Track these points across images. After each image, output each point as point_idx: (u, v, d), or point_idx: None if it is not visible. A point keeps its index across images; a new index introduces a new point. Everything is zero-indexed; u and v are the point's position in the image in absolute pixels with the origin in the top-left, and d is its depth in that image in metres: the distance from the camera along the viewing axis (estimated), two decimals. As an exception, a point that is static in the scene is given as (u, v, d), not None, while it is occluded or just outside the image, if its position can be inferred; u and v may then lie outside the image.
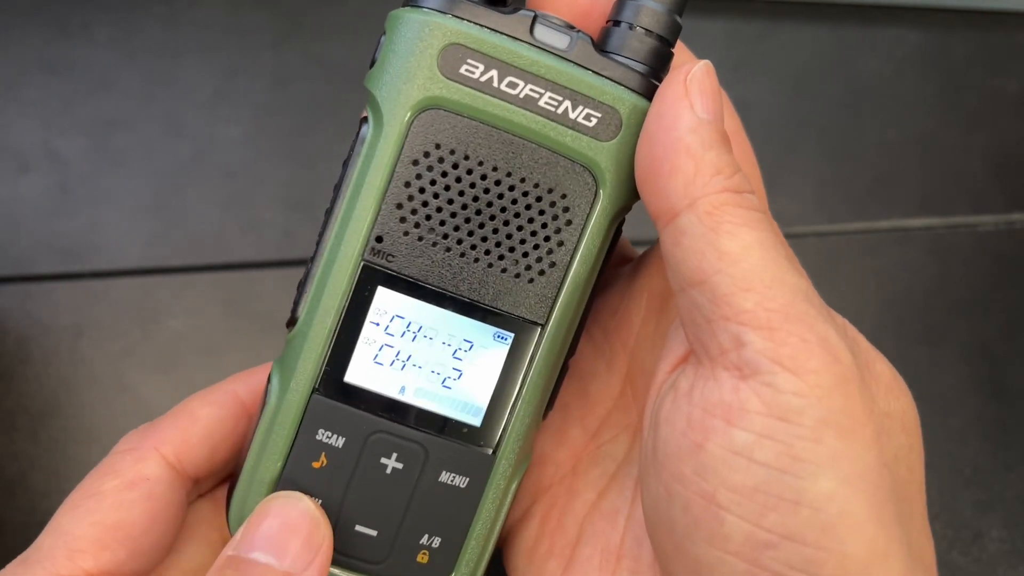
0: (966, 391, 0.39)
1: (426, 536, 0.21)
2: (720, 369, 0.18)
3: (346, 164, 0.20)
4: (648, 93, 0.20)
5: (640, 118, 0.20)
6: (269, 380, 0.21)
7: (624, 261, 0.26)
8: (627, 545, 0.22)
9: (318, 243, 0.21)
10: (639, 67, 0.20)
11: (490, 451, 0.21)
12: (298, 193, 0.40)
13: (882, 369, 0.20)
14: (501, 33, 0.19)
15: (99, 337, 0.37)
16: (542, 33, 0.19)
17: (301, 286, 0.21)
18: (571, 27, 0.20)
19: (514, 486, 0.22)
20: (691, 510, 0.18)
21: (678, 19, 0.20)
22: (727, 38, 0.45)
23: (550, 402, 0.22)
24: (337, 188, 0.21)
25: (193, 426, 0.21)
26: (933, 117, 0.44)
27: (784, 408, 0.17)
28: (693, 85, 0.19)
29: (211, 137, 0.41)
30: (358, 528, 0.21)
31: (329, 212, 0.21)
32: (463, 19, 0.19)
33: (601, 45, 0.20)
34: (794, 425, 0.17)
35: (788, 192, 0.42)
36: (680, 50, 0.22)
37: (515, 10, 0.20)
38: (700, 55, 0.44)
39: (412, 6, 0.20)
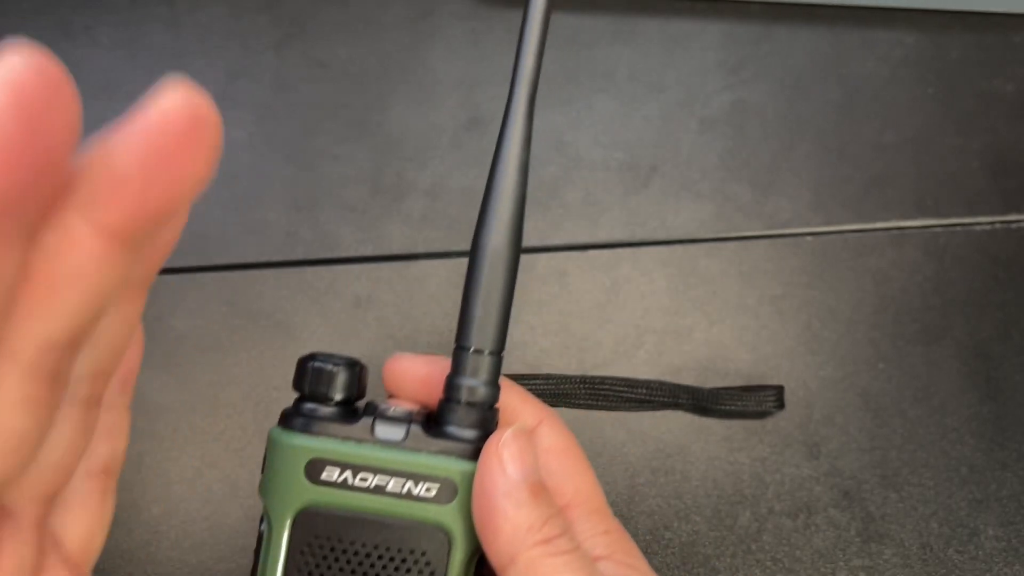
0: (962, 390, 0.39)
1: None
2: None
3: (255, 555, 0.25)
4: (476, 456, 0.24)
5: (471, 480, 0.24)
6: None
7: None
8: None
9: None
10: (468, 434, 0.24)
11: None
12: (300, 194, 0.40)
13: None
14: (349, 440, 0.24)
15: (103, 337, 0.38)
16: (381, 430, 0.24)
17: None
18: (408, 415, 0.25)
19: None
20: None
21: (496, 387, 0.25)
22: (724, 40, 0.45)
23: None
24: (252, 574, 0.25)
25: None
26: (929, 119, 0.44)
27: None
28: (504, 451, 0.23)
29: (213, 138, 0.41)
30: None
31: None
32: (318, 435, 0.24)
33: (437, 418, 0.25)
34: None
35: (785, 193, 0.42)
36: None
37: (364, 413, 0.24)
38: (698, 57, 0.45)
39: (282, 428, 0.25)
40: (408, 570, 0.24)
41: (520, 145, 0.25)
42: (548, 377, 0.37)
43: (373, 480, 0.24)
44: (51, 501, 0.20)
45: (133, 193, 0.14)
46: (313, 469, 0.24)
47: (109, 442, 0.22)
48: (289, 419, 0.25)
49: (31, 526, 0.19)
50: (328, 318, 0.39)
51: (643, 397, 0.37)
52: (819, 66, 0.45)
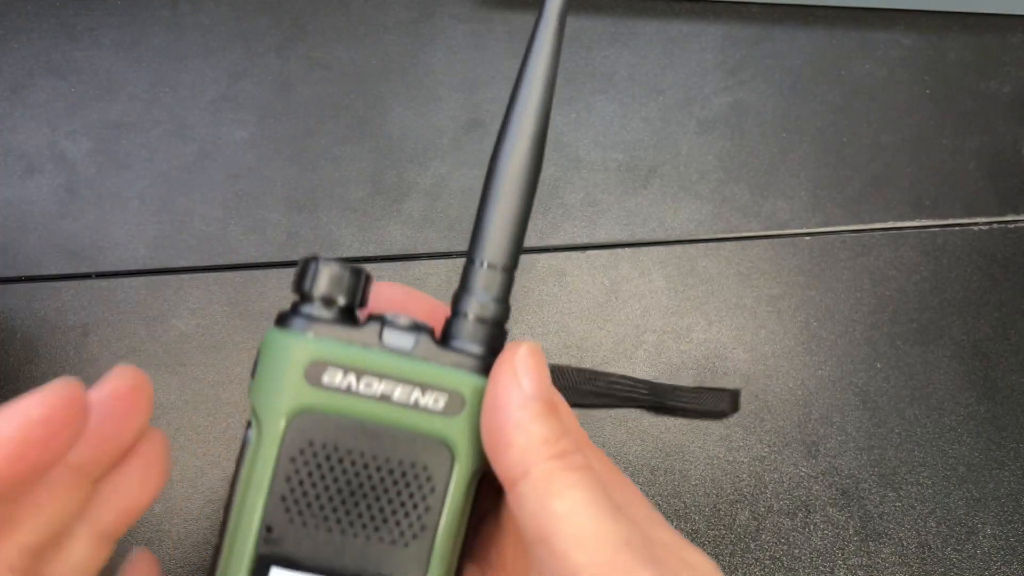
0: (959, 389, 0.40)
1: None
2: None
3: (238, 464, 0.23)
4: (486, 371, 0.23)
5: (480, 395, 0.23)
6: None
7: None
8: None
9: (221, 534, 0.23)
10: (477, 349, 0.23)
11: None
12: (302, 194, 0.41)
13: None
14: (355, 344, 0.22)
15: (105, 337, 0.38)
16: (389, 337, 0.23)
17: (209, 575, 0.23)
18: (416, 326, 0.23)
19: None
20: None
21: (506, 305, 0.24)
22: (724, 42, 0.45)
23: None
24: (233, 484, 0.23)
25: None
26: (927, 119, 0.44)
27: None
28: (519, 364, 0.22)
29: (216, 139, 0.41)
30: None
31: (227, 507, 0.23)
32: (321, 336, 0.22)
33: (444, 334, 0.24)
34: None
35: (783, 193, 0.42)
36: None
37: (368, 319, 0.23)
38: (697, 58, 0.45)
39: (280, 328, 0.23)
40: (408, 484, 0.23)
41: (549, 54, 0.24)
42: None
43: (379, 387, 0.22)
44: None
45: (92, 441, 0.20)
46: (313, 371, 0.22)
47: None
48: (288, 319, 0.23)
49: None
50: (329, 318, 0.39)
51: (602, 390, 0.38)
52: (817, 67, 0.45)
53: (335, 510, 0.23)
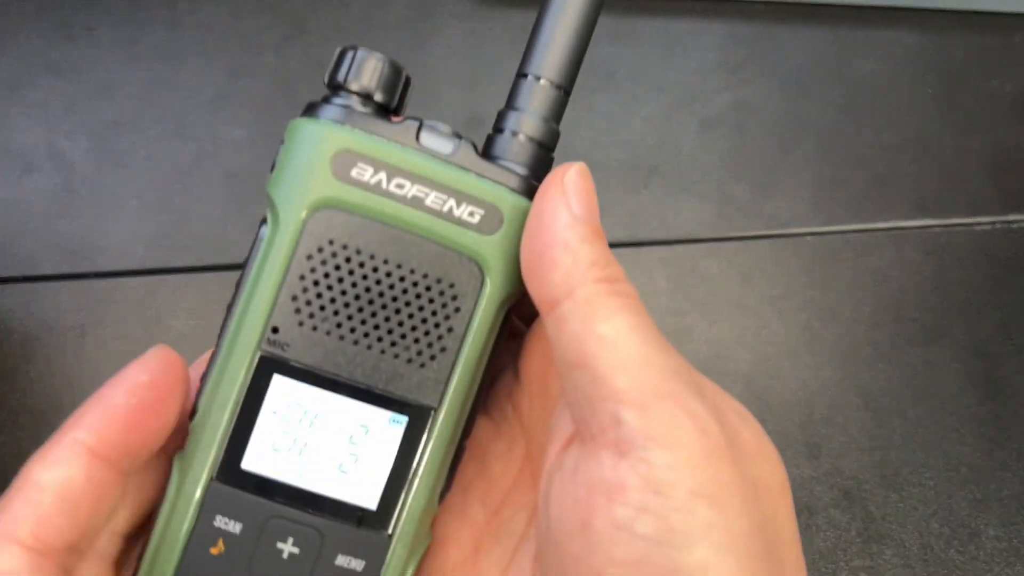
0: (962, 390, 0.39)
1: None
2: (600, 447, 0.19)
3: (246, 263, 0.21)
4: (528, 193, 0.21)
5: (520, 215, 0.21)
6: (170, 473, 0.21)
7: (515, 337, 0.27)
8: None
9: (220, 336, 0.21)
10: (521, 169, 0.22)
11: (386, 534, 0.22)
12: (300, 194, 0.40)
13: (748, 437, 0.21)
14: (389, 139, 0.21)
15: (103, 337, 0.38)
16: (427, 139, 0.21)
17: (203, 378, 0.21)
18: (457, 134, 0.21)
19: (411, 569, 0.22)
20: None
21: (556, 127, 0.22)
22: (726, 40, 0.45)
23: (447, 484, 0.23)
24: (238, 285, 0.21)
25: (41, 496, 0.19)
26: (930, 119, 0.44)
27: (658, 482, 0.18)
28: (569, 186, 0.21)
29: (214, 138, 0.41)
30: None
31: (230, 307, 0.21)
32: (354, 128, 0.21)
33: (485, 151, 0.22)
34: (668, 498, 0.18)
35: (786, 192, 0.42)
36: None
37: (405, 120, 0.21)
38: (700, 57, 0.45)
39: (308, 117, 0.21)
40: (431, 300, 0.21)
41: None
42: None
43: (411, 189, 0.21)
44: None
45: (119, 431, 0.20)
46: (341, 163, 0.20)
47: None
48: (317, 108, 0.21)
49: None
50: (328, 318, 0.39)
51: None
52: (819, 66, 0.45)
53: (349, 318, 0.21)
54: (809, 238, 0.42)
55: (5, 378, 0.37)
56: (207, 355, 0.23)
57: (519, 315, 0.25)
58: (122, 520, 0.21)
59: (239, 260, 0.39)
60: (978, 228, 0.42)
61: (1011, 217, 0.43)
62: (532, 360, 0.24)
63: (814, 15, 0.46)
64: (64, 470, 0.20)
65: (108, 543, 0.21)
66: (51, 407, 0.36)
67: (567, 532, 0.19)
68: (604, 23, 0.45)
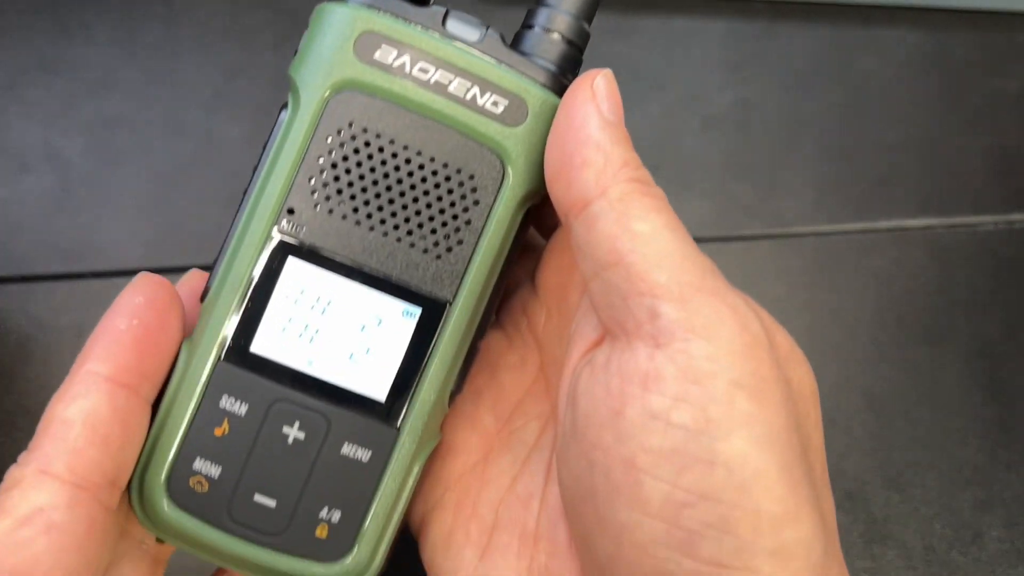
0: (966, 391, 0.39)
1: (326, 509, 0.21)
2: (636, 340, 0.19)
3: (264, 147, 0.21)
4: (555, 89, 0.21)
5: (547, 110, 0.21)
6: (178, 355, 0.21)
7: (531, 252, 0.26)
8: (543, 527, 0.22)
9: (234, 218, 0.21)
10: (550, 66, 0.21)
11: (394, 426, 0.21)
12: (299, 193, 0.40)
13: (782, 340, 0.21)
14: (414, 23, 0.20)
15: (100, 337, 0.37)
16: (454, 26, 0.21)
17: (216, 260, 0.21)
18: (484, 24, 0.21)
19: (417, 466, 0.22)
20: (611, 476, 0.18)
21: (587, 27, 0.22)
22: (727, 38, 0.45)
23: (459, 383, 0.22)
24: (255, 170, 0.21)
25: (70, 430, 0.19)
26: (933, 117, 0.44)
27: (698, 372, 0.18)
28: (599, 89, 0.20)
29: (211, 137, 0.41)
30: (257, 498, 0.21)
31: (245, 191, 0.21)
32: (379, 11, 0.20)
33: (514, 45, 0.22)
34: (707, 388, 0.18)
35: (788, 192, 0.42)
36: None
37: (432, 5, 0.21)
38: (700, 55, 0.45)
39: (334, 0, 0.21)
40: (450, 191, 0.21)
41: None
42: None
43: (434, 74, 0.20)
44: None
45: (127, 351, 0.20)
46: (365, 44, 0.20)
47: None
48: None
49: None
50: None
51: None
52: (822, 65, 0.45)
53: (366, 202, 0.21)
54: (812, 238, 0.41)
55: (1, 379, 0.37)
56: (191, 273, 0.23)
57: (537, 228, 0.25)
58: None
59: (237, 260, 0.39)
60: (982, 228, 0.42)
61: (1015, 217, 0.43)
62: (550, 273, 0.24)
63: (816, 13, 0.45)
64: (87, 402, 0.19)
65: None
66: (48, 408, 0.36)
67: (596, 424, 0.19)
68: (604, 21, 0.45)
